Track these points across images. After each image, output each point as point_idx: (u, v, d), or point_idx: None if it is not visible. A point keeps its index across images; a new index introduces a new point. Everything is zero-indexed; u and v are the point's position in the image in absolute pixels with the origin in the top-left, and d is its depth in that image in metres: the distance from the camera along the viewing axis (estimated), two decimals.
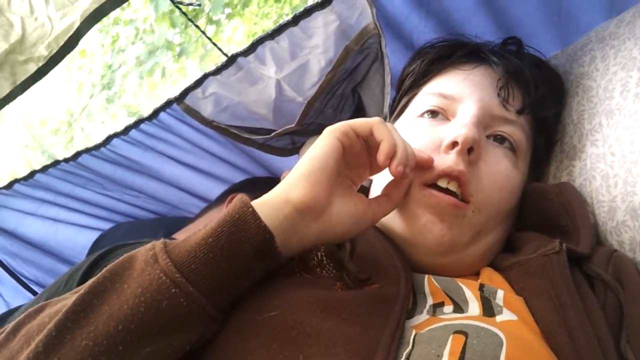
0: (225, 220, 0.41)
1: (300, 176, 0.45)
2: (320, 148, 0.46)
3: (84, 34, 0.66)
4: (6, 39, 0.63)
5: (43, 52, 0.65)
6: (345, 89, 0.85)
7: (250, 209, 0.42)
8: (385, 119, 0.75)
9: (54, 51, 0.66)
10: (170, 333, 0.38)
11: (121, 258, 0.41)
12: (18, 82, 0.69)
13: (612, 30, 0.63)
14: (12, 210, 1.09)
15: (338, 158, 0.46)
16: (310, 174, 0.45)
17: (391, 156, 0.45)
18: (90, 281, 0.40)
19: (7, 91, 0.70)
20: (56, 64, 0.69)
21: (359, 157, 0.49)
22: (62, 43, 0.65)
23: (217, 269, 0.40)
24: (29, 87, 0.71)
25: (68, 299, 0.40)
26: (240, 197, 0.44)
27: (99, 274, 0.40)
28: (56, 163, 1.01)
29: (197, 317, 0.39)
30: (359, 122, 0.47)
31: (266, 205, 0.43)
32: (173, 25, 3.73)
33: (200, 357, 0.41)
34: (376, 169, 0.50)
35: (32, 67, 0.68)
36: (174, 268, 0.38)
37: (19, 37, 0.64)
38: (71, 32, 0.64)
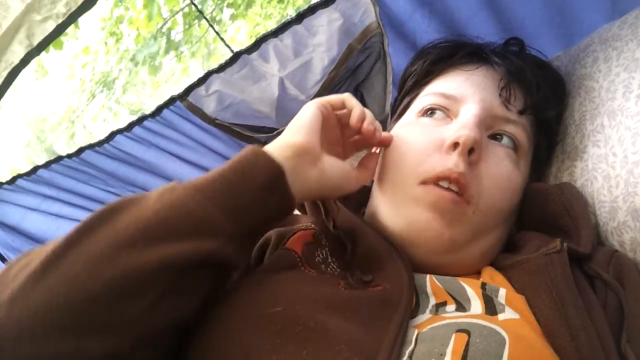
0: (238, 158, 0.45)
1: (296, 127, 0.51)
2: (307, 113, 0.52)
3: None
4: None
5: (62, 9, 0.65)
6: (347, 88, 0.86)
7: (261, 150, 0.46)
8: (387, 118, 0.75)
9: (73, 9, 0.66)
10: (188, 239, 0.39)
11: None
12: (35, 44, 0.69)
13: (615, 32, 0.63)
14: (15, 205, 1.09)
15: (321, 121, 0.52)
16: (305, 126, 0.51)
17: (362, 119, 0.53)
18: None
19: (22, 56, 0.70)
20: (74, 21, 0.69)
21: (333, 131, 0.56)
22: (80, 2, 0.65)
23: (232, 194, 0.42)
24: (45, 47, 0.71)
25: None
26: (248, 146, 0.47)
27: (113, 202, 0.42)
28: (59, 159, 1.01)
29: (212, 229, 0.40)
30: (333, 97, 0.55)
31: (269, 150, 0.47)
32: (149, 17, 3.74)
33: (205, 351, 0.41)
34: (348, 147, 0.58)
35: (51, 25, 0.67)
36: (192, 190, 0.41)
37: None
38: None
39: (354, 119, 0.53)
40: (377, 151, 0.60)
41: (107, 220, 0.39)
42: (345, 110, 0.55)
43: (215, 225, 0.41)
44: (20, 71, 0.73)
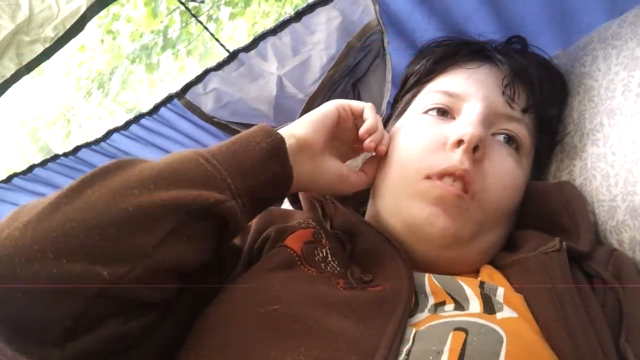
0: (245, 132, 0.49)
1: (305, 122, 0.54)
2: (323, 110, 0.56)
3: (90, 18, 0.68)
4: (13, 19, 0.65)
5: (50, 33, 0.67)
6: (346, 86, 0.85)
7: (265, 125, 0.50)
8: (382, 116, 0.75)
9: (61, 33, 0.68)
10: (198, 188, 0.41)
11: None
12: (24, 63, 0.71)
13: (615, 30, 0.63)
14: (11, 204, 1.09)
15: (335, 121, 0.56)
16: (313, 122, 0.54)
17: (371, 132, 0.56)
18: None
19: (13, 71, 0.72)
20: (62, 46, 0.71)
21: (348, 133, 0.58)
22: (68, 26, 0.67)
23: (237, 157, 0.46)
24: (34, 67, 0.73)
25: None
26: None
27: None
28: (55, 157, 1.01)
29: (220, 184, 0.43)
30: (355, 102, 0.58)
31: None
32: (154, 15, 3.73)
33: (204, 347, 0.41)
34: (357, 150, 0.61)
35: (39, 48, 0.70)
36: (200, 153, 0.44)
37: (26, 17, 0.65)
38: (77, 16, 0.65)
39: (362, 129, 0.56)
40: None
41: (120, 168, 0.41)
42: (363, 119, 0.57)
43: (222, 180, 0.43)
44: (10, 85, 0.76)
